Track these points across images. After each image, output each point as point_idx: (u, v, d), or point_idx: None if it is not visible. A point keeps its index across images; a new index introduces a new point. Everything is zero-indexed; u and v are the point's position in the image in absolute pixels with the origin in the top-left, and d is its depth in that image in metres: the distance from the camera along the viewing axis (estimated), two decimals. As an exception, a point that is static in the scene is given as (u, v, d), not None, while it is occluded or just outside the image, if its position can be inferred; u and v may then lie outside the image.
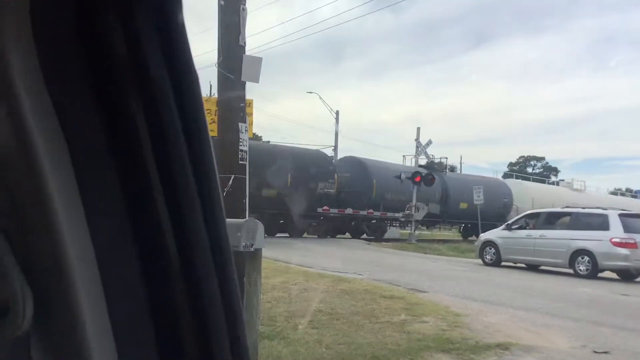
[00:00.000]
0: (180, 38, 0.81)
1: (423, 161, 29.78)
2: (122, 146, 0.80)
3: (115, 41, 0.78)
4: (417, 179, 26.88)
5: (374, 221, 28.85)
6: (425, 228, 36.03)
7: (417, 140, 28.59)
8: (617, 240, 15.38)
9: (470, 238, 31.41)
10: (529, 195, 35.13)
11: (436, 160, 33.78)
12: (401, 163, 34.24)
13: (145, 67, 0.79)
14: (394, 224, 31.08)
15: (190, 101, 0.82)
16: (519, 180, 42.10)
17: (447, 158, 41.60)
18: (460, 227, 37.55)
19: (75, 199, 0.78)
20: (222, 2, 6.64)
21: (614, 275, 15.97)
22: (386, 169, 28.88)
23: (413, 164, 29.16)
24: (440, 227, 41.84)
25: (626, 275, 15.79)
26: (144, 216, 0.81)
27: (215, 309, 0.85)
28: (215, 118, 7.14)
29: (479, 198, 28.28)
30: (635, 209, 21.25)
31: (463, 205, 31.45)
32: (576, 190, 41.67)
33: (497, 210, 32.49)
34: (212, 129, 7.26)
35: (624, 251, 15.29)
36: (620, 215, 16.13)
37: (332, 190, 26.04)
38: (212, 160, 0.85)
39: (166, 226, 0.81)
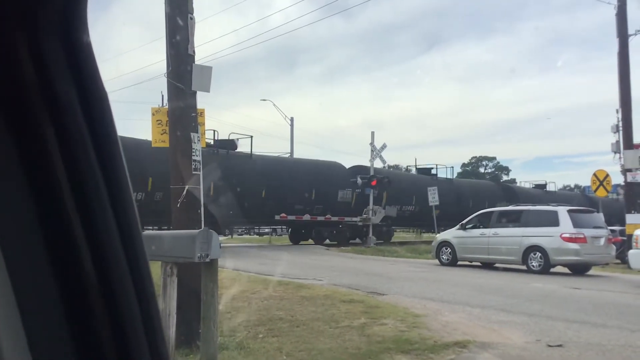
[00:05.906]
0: (87, 57, 0.84)
1: (379, 164, 30.03)
2: (33, 163, 0.80)
3: (22, 63, 0.78)
4: (374, 182, 27.12)
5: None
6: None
7: (372, 144, 28.79)
8: (567, 235, 15.85)
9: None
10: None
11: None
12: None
13: (53, 86, 0.80)
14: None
15: (100, 117, 0.84)
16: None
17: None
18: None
19: None
20: (169, 12, 6.57)
21: (566, 270, 16.48)
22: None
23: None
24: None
25: (577, 269, 16.31)
26: (58, 237, 0.81)
27: (134, 327, 0.86)
28: (167, 129, 7.03)
29: (433, 199, 28.70)
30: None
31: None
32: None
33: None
34: (164, 140, 7.16)
35: (574, 246, 15.76)
36: (569, 211, 16.63)
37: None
38: (125, 174, 0.87)
39: (82, 246, 0.82)
